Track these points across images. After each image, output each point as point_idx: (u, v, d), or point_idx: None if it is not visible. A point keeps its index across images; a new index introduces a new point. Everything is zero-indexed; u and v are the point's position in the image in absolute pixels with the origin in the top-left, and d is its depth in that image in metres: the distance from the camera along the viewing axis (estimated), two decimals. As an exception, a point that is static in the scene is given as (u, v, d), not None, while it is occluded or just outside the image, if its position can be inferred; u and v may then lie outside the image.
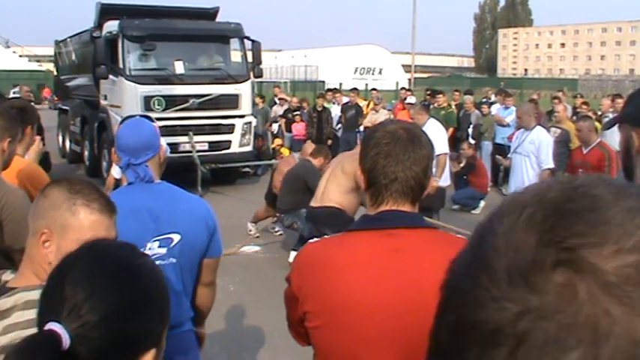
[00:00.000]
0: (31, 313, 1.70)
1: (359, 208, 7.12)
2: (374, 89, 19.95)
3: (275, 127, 17.65)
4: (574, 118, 14.17)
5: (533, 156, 8.11)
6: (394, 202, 1.97)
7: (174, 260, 2.83)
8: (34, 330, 1.67)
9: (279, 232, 9.93)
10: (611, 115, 12.61)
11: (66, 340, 1.19)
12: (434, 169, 8.46)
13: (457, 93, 17.86)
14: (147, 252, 2.74)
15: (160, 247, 2.83)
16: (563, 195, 0.59)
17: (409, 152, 1.95)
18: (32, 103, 8.36)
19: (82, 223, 1.86)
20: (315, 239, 2.15)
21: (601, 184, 0.60)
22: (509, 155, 9.11)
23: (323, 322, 1.95)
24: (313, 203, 7.33)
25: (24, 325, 1.68)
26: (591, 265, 0.53)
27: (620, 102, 12.99)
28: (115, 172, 9.09)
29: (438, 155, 8.44)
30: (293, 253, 8.51)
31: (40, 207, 1.86)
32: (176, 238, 2.85)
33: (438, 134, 8.51)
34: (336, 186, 7.04)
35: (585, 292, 0.53)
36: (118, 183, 8.63)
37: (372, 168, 1.98)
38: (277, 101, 19.06)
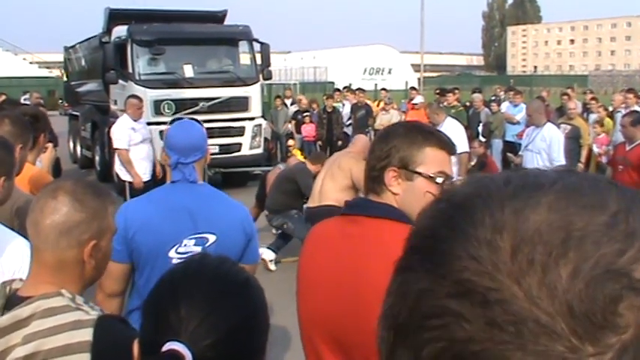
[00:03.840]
0: (51, 321, 1.69)
1: None
2: (383, 89, 19.92)
3: (289, 127, 17.64)
4: (584, 114, 14.13)
5: (544, 153, 8.07)
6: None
7: None
8: (55, 338, 1.66)
9: None
10: (623, 111, 12.53)
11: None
12: (455, 168, 8.44)
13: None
14: (182, 249, 2.83)
15: (195, 245, 2.89)
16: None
17: None
18: (43, 109, 8.41)
19: (112, 220, 1.93)
20: None
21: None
22: (520, 153, 9.08)
23: (297, 295, 2.08)
24: (311, 203, 7.29)
25: (44, 334, 1.66)
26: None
27: (630, 97, 12.89)
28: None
29: (460, 154, 8.41)
30: (266, 251, 8.46)
31: (75, 221, 1.84)
32: (211, 238, 2.91)
33: (457, 133, 8.50)
34: (334, 183, 7.01)
35: None
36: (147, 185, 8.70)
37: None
38: (287, 102, 19.05)
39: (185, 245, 2.87)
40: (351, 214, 1.98)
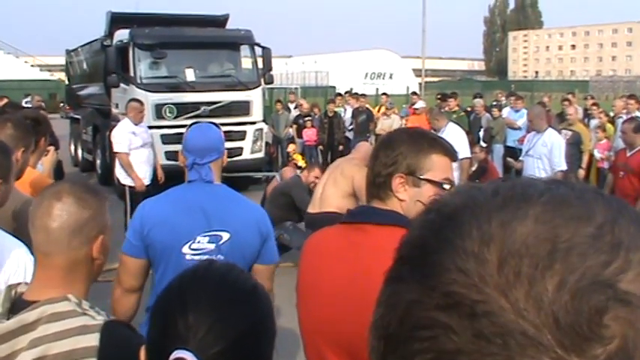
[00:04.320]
0: (57, 326, 1.69)
1: None
2: (384, 94, 19.94)
3: (290, 131, 17.65)
4: (585, 119, 14.13)
5: (545, 158, 8.07)
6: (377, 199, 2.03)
7: (222, 258, 2.90)
8: (61, 343, 1.66)
9: None
10: (624, 117, 12.53)
11: None
12: (457, 173, 8.41)
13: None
14: (196, 245, 2.90)
15: (209, 242, 2.95)
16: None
17: None
18: (44, 112, 8.41)
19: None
20: None
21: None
22: (521, 158, 9.08)
23: (298, 301, 2.06)
24: (311, 209, 7.26)
25: (51, 339, 1.67)
26: (630, 294, 0.48)
27: (632, 103, 12.88)
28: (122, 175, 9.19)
29: (461, 160, 8.37)
30: None
31: (85, 219, 1.86)
32: (225, 236, 2.96)
33: (458, 139, 8.46)
34: (336, 189, 6.96)
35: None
36: (148, 190, 8.70)
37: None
38: (291, 107, 19.08)
39: (199, 242, 2.94)
40: (356, 222, 1.97)
